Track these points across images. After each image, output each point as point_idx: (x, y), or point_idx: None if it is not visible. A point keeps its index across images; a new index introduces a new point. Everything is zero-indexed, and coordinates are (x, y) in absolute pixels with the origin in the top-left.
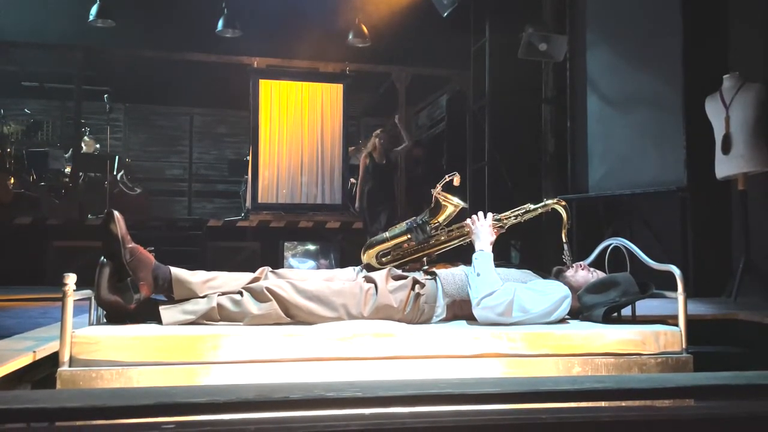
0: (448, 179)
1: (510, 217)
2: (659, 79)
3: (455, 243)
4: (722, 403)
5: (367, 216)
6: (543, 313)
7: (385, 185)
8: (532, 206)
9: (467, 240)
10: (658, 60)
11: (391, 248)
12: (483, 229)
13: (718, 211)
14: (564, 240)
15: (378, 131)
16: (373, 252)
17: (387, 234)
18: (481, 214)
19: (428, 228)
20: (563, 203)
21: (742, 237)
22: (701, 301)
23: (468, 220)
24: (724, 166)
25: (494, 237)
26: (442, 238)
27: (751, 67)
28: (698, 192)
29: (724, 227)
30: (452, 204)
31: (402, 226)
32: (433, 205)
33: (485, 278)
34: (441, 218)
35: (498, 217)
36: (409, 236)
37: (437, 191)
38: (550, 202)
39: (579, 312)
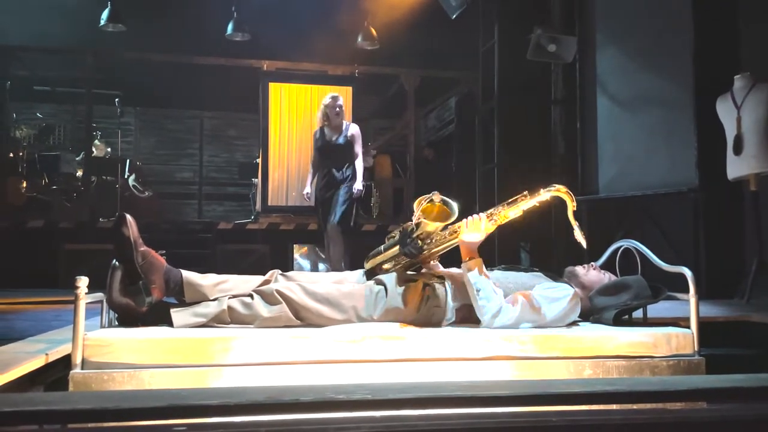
0: (425, 202)
1: (500, 211)
2: (670, 79)
3: (453, 244)
4: (735, 405)
5: (319, 208)
6: (553, 319)
7: (340, 166)
8: (529, 196)
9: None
10: (668, 60)
11: (389, 259)
12: (472, 225)
13: (730, 212)
14: (573, 222)
15: (330, 97)
16: (372, 263)
17: (381, 247)
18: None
19: (417, 244)
20: (563, 189)
21: (754, 238)
22: (713, 302)
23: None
24: (736, 167)
25: (482, 235)
26: (434, 249)
27: (762, 67)
28: (710, 193)
29: (737, 228)
30: (432, 224)
31: (394, 238)
32: (415, 223)
33: (486, 295)
34: (429, 229)
35: (489, 212)
36: (400, 249)
37: (417, 217)
38: (546, 192)
39: (590, 313)
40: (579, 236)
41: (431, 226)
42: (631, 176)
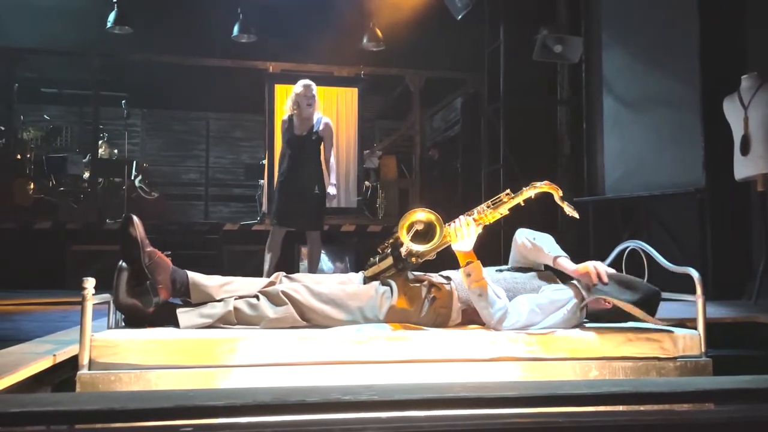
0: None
1: (486, 213)
2: (676, 79)
3: (444, 245)
4: (742, 407)
5: (277, 204)
6: (558, 323)
7: (307, 163)
8: (513, 195)
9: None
10: (675, 60)
11: (386, 270)
12: (461, 231)
13: (738, 213)
14: (562, 203)
15: (303, 86)
16: (371, 273)
17: (376, 258)
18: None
19: (411, 263)
20: (545, 185)
21: (761, 238)
22: (720, 303)
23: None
24: (743, 167)
25: (473, 240)
26: (428, 256)
27: None
28: (717, 193)
29: (744, 229)
30: (423, 246)
31: (387, 251)
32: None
33: (488, 300)
34: (421, 251)
35: (474, 215)
36: (392, 261)
37: (406, 248)
38: (530, 189)
39: (595, 314)
40: (570, 211)
41: (423, 248)
42: (637, 176)
